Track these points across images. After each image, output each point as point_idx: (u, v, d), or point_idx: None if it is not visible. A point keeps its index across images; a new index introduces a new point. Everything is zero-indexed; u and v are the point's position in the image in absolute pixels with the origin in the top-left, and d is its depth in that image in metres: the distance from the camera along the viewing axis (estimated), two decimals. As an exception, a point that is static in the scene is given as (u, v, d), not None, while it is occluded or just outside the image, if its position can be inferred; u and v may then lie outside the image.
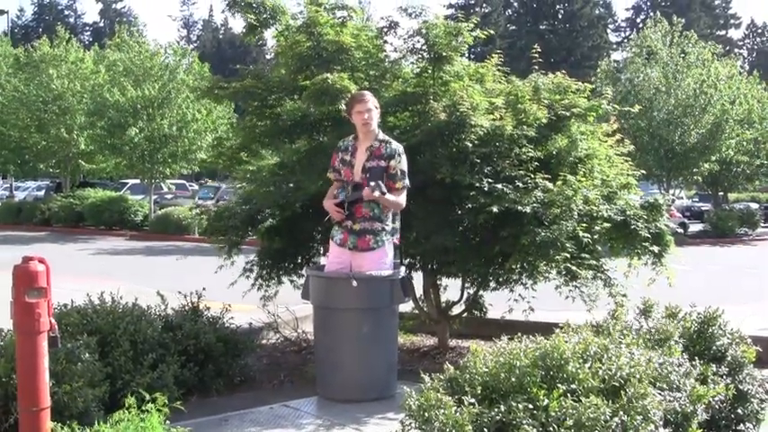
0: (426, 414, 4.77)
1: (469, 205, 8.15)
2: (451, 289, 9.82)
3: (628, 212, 8.85)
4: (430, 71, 8.95)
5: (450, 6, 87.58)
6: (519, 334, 5.75)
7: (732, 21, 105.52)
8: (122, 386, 6.78)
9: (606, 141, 9.44)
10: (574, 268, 8.17)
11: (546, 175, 8.24)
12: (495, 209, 7.87)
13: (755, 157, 40.40)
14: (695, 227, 39.47)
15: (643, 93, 34.87)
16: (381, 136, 7.62)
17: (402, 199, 7.55)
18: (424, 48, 8.93)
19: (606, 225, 8.50)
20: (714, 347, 6.51)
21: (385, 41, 9.41)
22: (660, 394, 5.10)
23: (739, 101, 37.15)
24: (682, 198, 49.50)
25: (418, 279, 9.36)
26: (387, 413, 6.89)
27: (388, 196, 7.37)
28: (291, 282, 9.59)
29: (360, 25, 9.60)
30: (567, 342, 5.37)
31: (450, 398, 4.86)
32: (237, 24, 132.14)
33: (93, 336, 7.00)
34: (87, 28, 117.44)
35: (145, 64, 35.36)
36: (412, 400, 4.92)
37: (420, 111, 8.68)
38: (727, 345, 6.57)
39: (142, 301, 8.27)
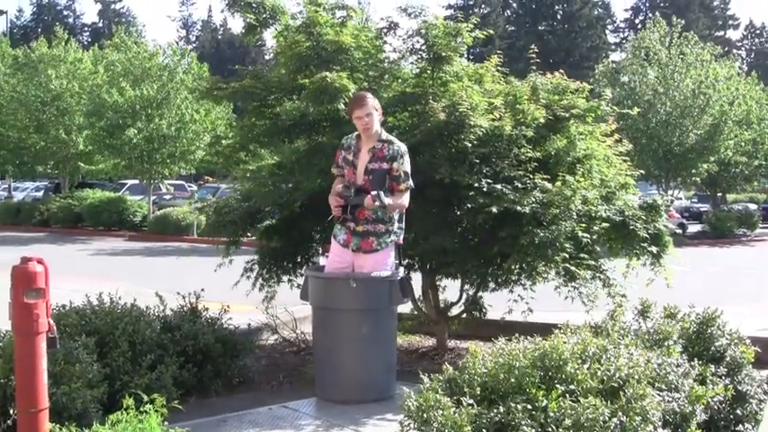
0: (425, 415, 4.77)
1: (468, 205, 8.15)
2: (450, 290, 9.81)
3: (626, 213, 8.84)
4: (429, 71, 8.95)
5: (450, 7, 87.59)
6: (518, 335, 5.75)
7: (731, 22, 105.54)
8: (121, 387, 6.76)
9: (605, 141, 9.44)
10: (572, 268, 8.17)
11: (545, 176, 8.25)
12: (494, 209, 7.87)
13: (754, 158, 40.49)
14: (694, 227, 39.51)
15: (641, 94, 34.87)
16: (384, 136, 7.57)
17: (405, 200, 7.55)
18: (423, 48, 8.93)
19: (605, 225, 8.50)
20: (713, 348, 6.50)
21: (384, 42, 9.41)
22: (659, 395, 5.09)
23: (738, 102, 37.20)
24: (680, 199, 49.55)
25: (417, 280, 9.36)
26: (386, 414, 6.88)
27: (390, 201, 7.36)
28: (290, 282, 9.58)
29: (359, 25, 9.59)
30: (565, 343, 5.37)
31: (449, 399, 4.86)
32: (236, 25, 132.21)
33: (91, 337, 6.99)
34: (86, 28, 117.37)
35: (143, 64, 35.42)
36: (411, 400, 4.92)
37: (419, 111, 8.67)
38: (726, 345, 6.56)
39: (141, 301, 8.25)
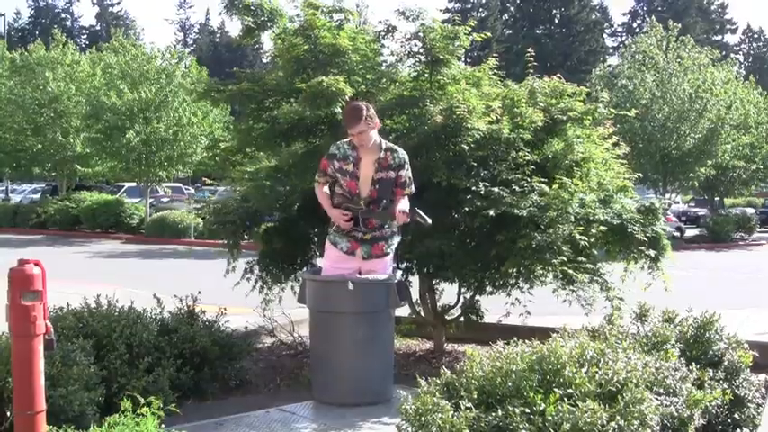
0: (423, 418, 4.76)
1: (466, 209, 8.15)
2: (448, 293, 9.80)
3: (624, 216, 8.83)
4: (426, 75, 8.96)
5: (447, 11, 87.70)
6: (515, 338, 5.74)
7: (728, 26, 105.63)
8: (118, 390, 6.76)
9: (602, 144, 9.44)
10: (570, 272, 8.15)
11: (542, 179, 8.25)
12: (491, 212, 7.87)
13: (751, 162, 40.46)
14: (691, 231, 39.46)
15: (639, 98, 34.85)
16: (385, 145, 7.52)
17: (407, 201, 7.56)
18: (420, 51, 8.94)
19: (603, 229, 8.49)
20: (711, 352, 6.50)
21: (382, 45, 9.42)
22: (657, 399, 5.09)
23: (735, 106, 37.08)
24: (678, 203, 49.53)
25: (414, 283, 9.36)
26: (383, 417, 6.88)
27: (401, 205, 7.40)
28: (288, 284, 9.57)
29: (357, 28, 9.60)
30: (563, 346, 5.36)
31: (447, 402, 4.85)
32: (234, 27, 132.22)
33: (88, 339, 7.00)
34: (84, 31, 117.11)
35: (141, 67, 35.34)
36: (408, 404, 4.91)
37: (417, 114, 8.67)
38: (724, 349, 6.56)
39: (138, 304, 8.25)
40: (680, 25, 38.44)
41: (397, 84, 9.21)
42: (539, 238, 7.85)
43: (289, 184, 8.71)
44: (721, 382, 6.17)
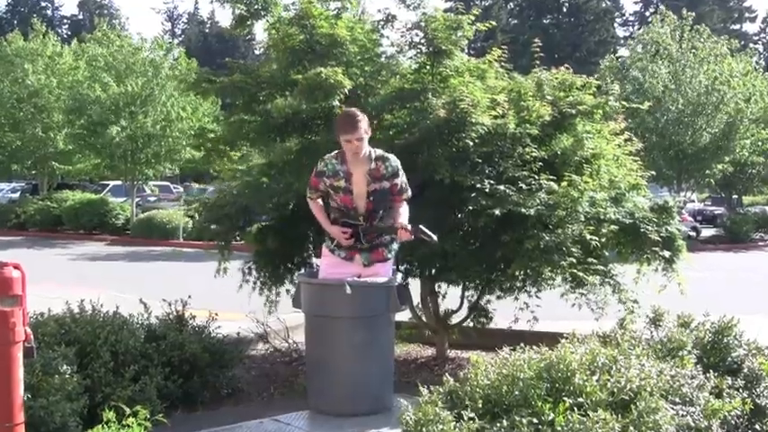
0: (424, 429, 4.76)
1: (470, 207, 8.15)
2: (451, 297, 9.80)
3: (637, 215, 8.82)
4: (429, 66, 8.95)
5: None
6: (522, 344, 5.74)
7: (747, 14, 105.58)
8: (102, 399, 6.76)
9: (614, 140, 9.43)
10: (580, 274, 8.14)
11: (550, 176, 8.25)
12: (497, 211, 7.86)
13: (772, 158, 40.39)
14: (708, 231, 39.39)
15: (651, 90, 34.80)
16: (375, 153, 7.32)
17: (407, 208, 7.48)
18: (422, 42, 8.93)
19: (614, 228, 8.50)
20: (729, 359, 6.49)
21: (381, 35, 9.41)
22: (672, 408, 5.08)
23: (755, 98, 37.01)
24: (693, 201, 49.45)
25: (415, 286, 9.35)
26: (382, 428, 6.87)
27: (402, 215, 7.33)
28: (284, 288, 9.57)
29: (355, 18, 9.59)
30: (573, 353, 5.36)
31: (450, 412, 4.85)
32: (225, 17, 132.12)
33: (71, 346, 6.99)
34: (65, 21, 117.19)
35: (127, 59, 35.35)
36: (409, 414, 4.91)
37: (418, 108, 8.66)
38: (744, 356, 6.55)
39: (123, 309, 8.25)
40: (694, 14, 38.29)
41: (398, 76, 9.20)
42: (547, 238, 7.85)
43: (283, 181, 8.69)
44: (741, 390, 6.15)
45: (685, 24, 36.72)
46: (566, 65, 9.76)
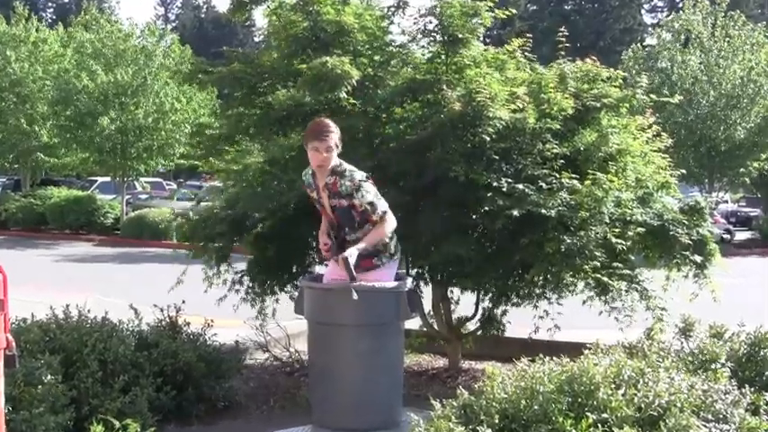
0: (436, 446, 4.76)
1: (486, 208, 8.13)
2: (464, 303, 9.80)
3: (665, 217, 8.82)
4: (443, 56, 8.94)
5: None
6: (541, 355, 5.73)
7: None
8: (89, 412, 6.77)
9: (641, 136, 9.41)
10: (605, 279, 8.13)
11: (573, 174, 8.24)
12: (515, 212, 7.85)
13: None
14: (742, 234, 39.30)
15: (680, 82, 34.68)
16: (333, 166, 7.11)
17: (386, 227, 7.17)
18: (436, 29, 8.92)
19: (641, 231, 8.48)
20: (767, 373, 6.47)
21: (392, 22, 9.39)
22: (705, 426, 5.07)
23: (794, 90, 36.86)
24: (726, 202, 49.26)
25: (427, 292, 9.35)
26: (391, 444, 6.88)
27: (364, 242, 7.06)
28: (282, 294, 9.57)
29: (363, 4, 9.58)
30: (597, 365, 5.36)
31: (464, 428, 4.84)
32: (222, 1, 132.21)
33: (56, 355, 7.00)
34: (50, 4, 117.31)
35: (117, 46, 35.28)
36: (420, 429, 4.91)
37: (431, 101, 8.66)
38: (782, 370, 6.54)
39: (112, 315, 8.26)
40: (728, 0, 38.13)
41: (410, 66, 9.19)
42: (568, 241, 7.84)
43: (285, 179, 8.69)
44: (779, 407, 6.15)
45: (719, 11, 36.57)
46: (591, 56, 9.70)
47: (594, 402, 5.02)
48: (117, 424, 5.43)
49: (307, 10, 9.03)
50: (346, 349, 7.30)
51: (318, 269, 7.90)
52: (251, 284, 9.51)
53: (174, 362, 7.87)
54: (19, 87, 37.77)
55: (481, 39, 9.21)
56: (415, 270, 9.01)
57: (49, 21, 76.64)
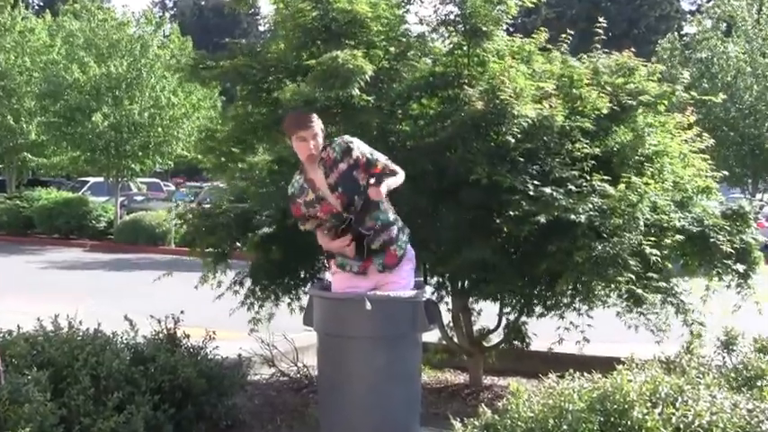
0: (458, 469, 4.77)
1: (511, 213, 8.13)
2: (486, 314, 9.80)
3: (706, 222, 8.81)
4: (464, 48, 8.92)
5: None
6: (571, 370, 5.74)
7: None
8: None
9: (680, 135, 9.40)
10: (639, 291, 8.12)
11: (605, 177, 8.23)
12: (542, 218, 7.85)
13: None
14: (790, 241, 39.04)
15: (721, 75, 34.56)
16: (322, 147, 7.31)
17: (398, 175, 7.28)
18: (457, 19, 8.90)
19: (679, 238, 8.47)
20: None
21: (408, 11, 9.39)
22: (749, 448, 5.07)
23: None
24: (772, 205, 49.10)
25: (446, 302, 9.35)
26: (407, 467, 6.89)
27: (385, 183, 7.15)
28: (290, 305, 9.58)
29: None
30: (631, 381, 5.35)
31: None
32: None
33: (44, 370, 6.99)
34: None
35: (110, 35, 35.27)
36: (439, 451, 4.92)
37: (452, 97, 8.67)
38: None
39: (106, 326, 8.27)
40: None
41: (428, 59, 9.19)
42: (600, 249, 7.84)
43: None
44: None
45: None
46: (630, 48, 9.65)
47: (629, 422, 5.02)
48: (111, 444, 5.45)
49: (317, -2, 9.03)
50: (359, 364, 7.31)
51: (329, 276, 7.88)
52: (253, 288, 9.51)
53: (172, 377, 7.88)
54: (4, 80, 37.86)
55: (505, 28, 9.20)
56: (434, 279, 9.01)
57: (37, 8, 76.81)
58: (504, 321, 9.63)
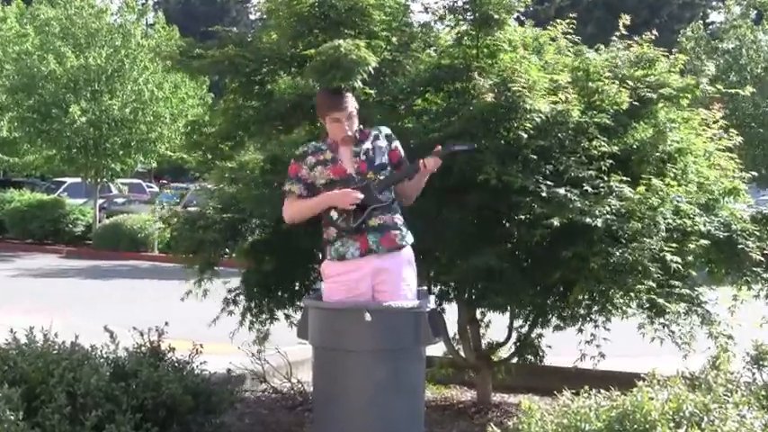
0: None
1: (522, 216, 8.15)
2: (496, 326, 9.80)
3: (734, 227, 8.80)
4: (473, 38, 8.91)
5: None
6: (587, 387, 5.74)
7: None
8: (57, 453, 6.78)
9: (705, 132, 9.38)
10: (660, 300, 8.11)
11: (624, 177, 8.22)
12: (555, 221, 7.83)
13: None
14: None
15: (750, 67, 34.52)
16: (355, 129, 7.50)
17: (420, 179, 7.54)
18: (466, 6, 8.90)
19: (704, 243, 8.46)
20: None
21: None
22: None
23: None
24: (803, 208, 48.99)
25: (452, 313, 9.35)
26: (410, 491, 6.90)
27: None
28: (289, 317, 9.59)
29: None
30: (652, 399, 5.35)
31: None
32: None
33: (16, 386, 6.98)
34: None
35: (89, 24, 35.23)
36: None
37: (459, 91, 8.68)
38: None
39: (84, 339, 8.26)
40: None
41: (433, 49, 9.20)
42: (618, 255, 7.83)
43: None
44: None
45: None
46: (653, 31, 9.61)
47: (650, 443, 5.02)
48: (90, 467, 5.45)
49: (313, -17, 9.03)
50: (358, 379, 7.31)
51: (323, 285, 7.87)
52: (248, 304, 9.51)
53: (155, 394, 7.85)
54: (-28, 73, 37.83)
55: (516, 16, 9.20)
56: (438, 287, 9.02)
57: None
58: (515, 334, 9.63)
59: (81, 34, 34.92)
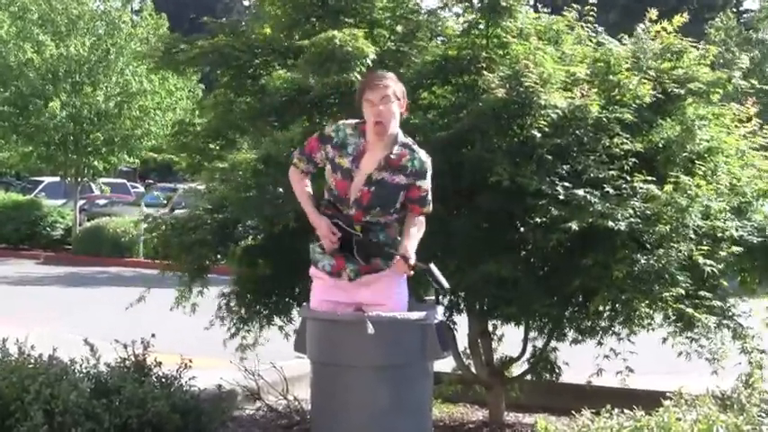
0: None
1: (537, 220, 8.13)
2: (509, 340, 9.79)
3: (768, 232, 8.80)
4: (482, 27, 8.91)
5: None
6: (608, 406, 5.73)
7: None
8: (34, 476, 6.78)
9: (737, 129, 9.36)
10: (689, 311, 8.08)
11: (648, 177, 8.20)
12: (573, 225, 7.82)
13: None
14: None
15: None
16: (402, 138, 7.23)
17: (423, 227, 7.33)
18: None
19: (736, 250, 8.44)
20: None
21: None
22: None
23: None
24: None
25: (462, 325, 9.34)
26: None
27: (412, 237, 7.19)
28: (283, 327, 9.58)
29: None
30: (680, 420, 5.35)
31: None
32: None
33: (-10, 403, 7.00)
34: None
35: (70, 10, 35.16)
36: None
37: (467, 84, 8.68)
38: None
39: (62, 352, 8.26)
40: None
41: (440, 40, 9.19)
42: (643, 262, 7.82)
43: (284, 182, 8.67)
44: None
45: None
46: (682, 15, 9.55)
47: (676, 468, 5.02)
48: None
49: (312, -32, 9.03)
50: (359, 397, 7.29)
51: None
52: (239, 312, 9.50)
53: (140, 412, 7.85)
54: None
55: (531, 2, 9.19)
56: (447, 298, 9.01)
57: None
58: (529, 348, 9.61)
59: (61, 21, 34.82)
